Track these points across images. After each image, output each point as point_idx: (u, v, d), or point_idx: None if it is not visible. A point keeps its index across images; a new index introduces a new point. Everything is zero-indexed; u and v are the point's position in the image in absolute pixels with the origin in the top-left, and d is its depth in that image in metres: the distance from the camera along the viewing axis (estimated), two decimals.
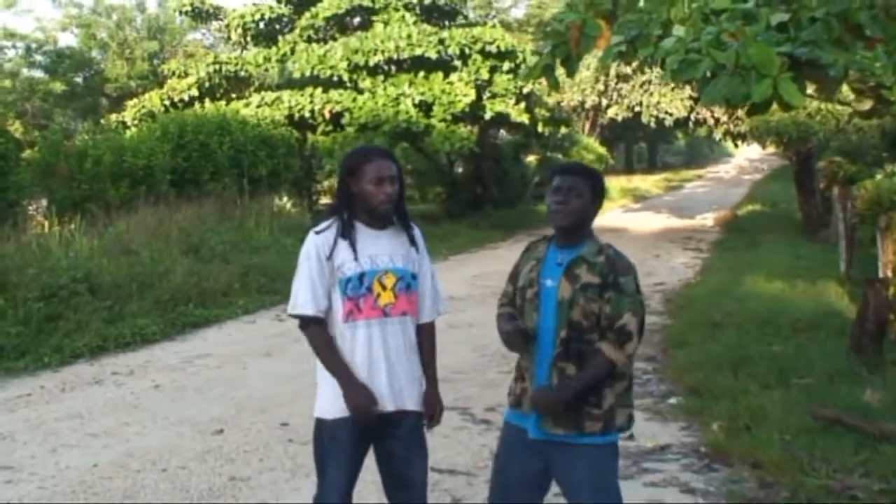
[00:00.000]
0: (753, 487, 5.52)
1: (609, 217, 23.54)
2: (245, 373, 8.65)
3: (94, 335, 9.74)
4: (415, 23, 22.27)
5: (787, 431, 6.18)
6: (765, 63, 4.03)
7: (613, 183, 34.29)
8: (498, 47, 21.40)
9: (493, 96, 21.52)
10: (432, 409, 3.94)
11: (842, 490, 5.34)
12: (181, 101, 21.82)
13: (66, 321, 9.87)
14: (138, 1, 29.95)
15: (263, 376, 8.36)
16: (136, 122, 21.38)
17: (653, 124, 22.10)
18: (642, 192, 37.22)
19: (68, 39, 29.62)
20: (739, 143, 22.56)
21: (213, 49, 29.98)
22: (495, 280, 14.23)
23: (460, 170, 27.61)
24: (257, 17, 24.14)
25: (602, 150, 36.64)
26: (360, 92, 21.22)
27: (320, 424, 3.80)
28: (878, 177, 14.83)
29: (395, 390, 3.74)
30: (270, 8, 24.35)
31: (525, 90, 21.81)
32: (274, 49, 23.11)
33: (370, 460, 3.87)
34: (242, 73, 22.26)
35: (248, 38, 24.71)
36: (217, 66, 22.08)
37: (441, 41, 21.27)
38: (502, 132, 27.80)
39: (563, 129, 25.62)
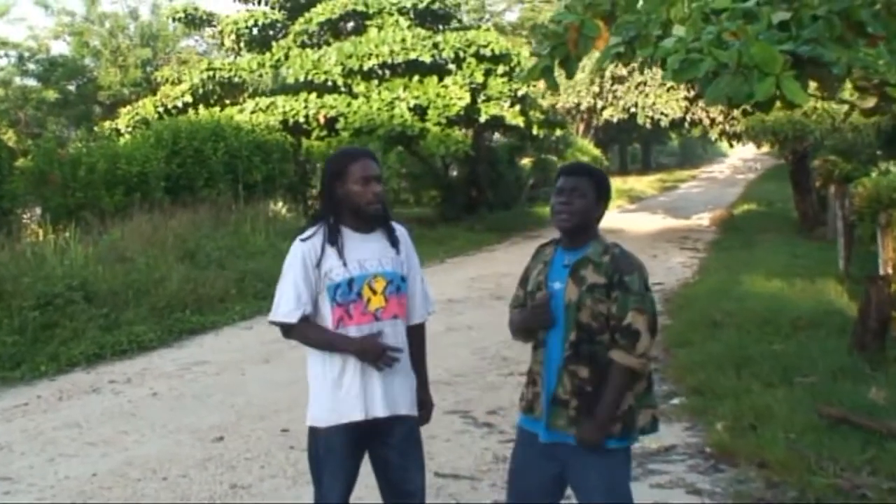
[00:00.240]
0: (760, 487, 5.46)
1: (605, 218, 23.06)
2: (243, 379, 8.58)
3: (90, 343, 9.67)
4: (409, 27, 22.23)
5: (793, 430, 6.13)
6: (767, 61, 3.99)
7: None
8: (492, 51, 21.38)
9: (488, 99, 21.50)
10: (424, 408, 3.90)
11: (850, 489, 5.28)
12: (175, 107, 21.77)
13: (61, 329, 9.81)
14: (131, 8, 30.00)
15: (262, 383, 8.29)
16: (129, 129, 21.32)
17: (648, 125, 22.05)
18: (637, 193, 37.18)
19: (61, 48, 29.54)
20: (735, 143, 22.51)
21: (206, 55, 29.89)
22: (492, 282, 14.24)
23: (455, 173, 27.56)
24: (251, 23, 24.09)
25: (596, 151, 36.65)
26: (355, 97, 21.17)
27: (314, 433, 3.75)
28: (874, 174, 14.82)
29: (390, 396, 3.68)
30: (264, 14, 24.30)
31: (520, 93, 21.78)
32: (268, 55, 23.05)
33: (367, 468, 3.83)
34: (236, 79, 22.21)
35: (242, 44, 24.66)
36: (211, 73, 22.03)
37: (435, 45, 21.24)
38: (497, 135, 27.77)
39: (558, 132, 25.59)
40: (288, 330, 3.73)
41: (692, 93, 19.90)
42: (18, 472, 6.08)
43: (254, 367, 8.95)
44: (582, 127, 36.41)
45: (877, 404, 6.58)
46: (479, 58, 21.47)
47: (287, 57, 22.56)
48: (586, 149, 35.24)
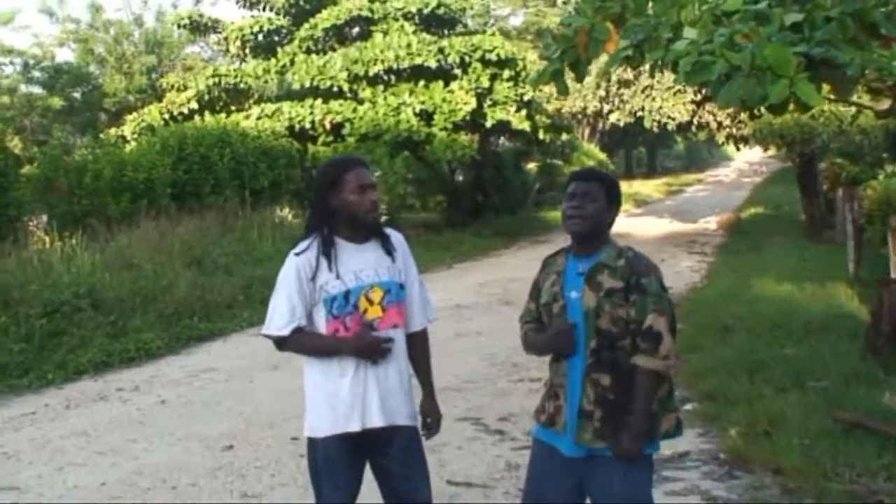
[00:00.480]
0: (776, 494, 5.41)
1: None
2: (252, 387, 8.53)
3: (97, 351, 9.65)
4: (414, 32, 22.20)
5: (807, 436, 6.07)
6: (781, 63, 3.95)
7: None
8: (498, 55, 21.34)
9: (494, 104, 21.44)
10: (430, 418, 3.82)
11: (867, 495, 5.23)
12: (181, 114, 21.76)
13: (69, 337, 9.79)
14: (136, 15, 29.89)
15: (271, 390, 8.23)
16: (135, 135, 21.35)
17: (655, 129, 22.00)
18: (643, 197, 37.12)
19: (66, 55, 29.62)
20: (742, 146, 22.45)
21: (211, 62, 29.89)
22: (501, 288, 14.19)
23: (460, 178, 27.53)
24: (256, 29, 24.06)
25: (602, 155, 36.62)
26: (361, 102, 21.14)
27: (312, 444, 3.72)
28: (881, 177, 14.76)
29: (387, 407, 3.63)
30: (269, 20, 24.29)
31: (526, 97, 21.74)
32: (273, 61, 23.03)
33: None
34: (242, 86, 22.18)
35: (247, 51, 24.63)
36: (216, 79, 22.00)
37: (441, 50, 21.20)
38: (502, 140, 27.75)
39: (564, 136, 25.54)
40: (281, 343, 3.70)
41: (699, 96, 19.87)
42: (27, 481, 6.04)
43: (262, 375, 8.90)
44: (587, 131, 36.38)
45: (891, 409, 6.53)
46: (485, 62, 21.43)
47: (292, 63, 22.54)
48: (592, 153, 35.20)
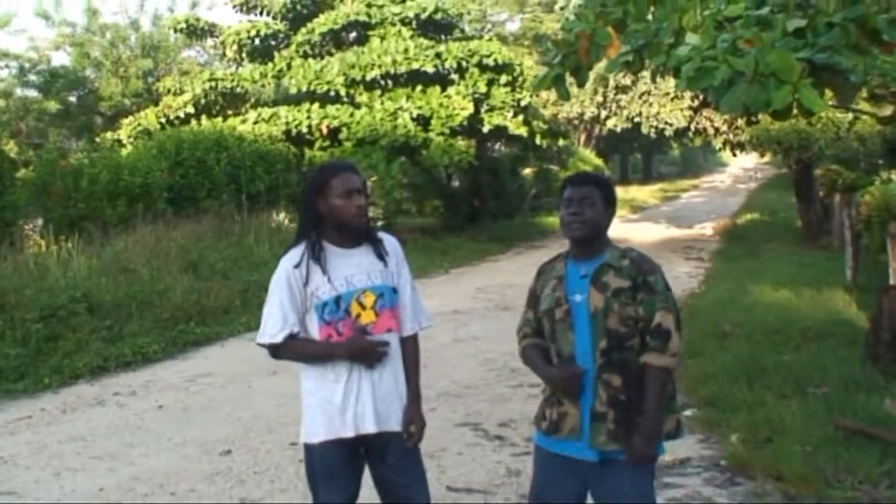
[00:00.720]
0: (778, 501, 5.39)
1: (609, 228, 23.32)
2: (250, 392, 8.49)
3: (94, 355, 9.60)
4: (411, 37, 22.19)
5: (808, 443, 6.05)
6: (784, 69, 3.94)
7: None
8: (495, 60, 21.33)
9: (491, 109, 21.43)
10: (413, 425, 3.74)
11: (869, 502, 5.21)
12: (177, 118, 21.72)
13: (65, 341, 9.74)
14: (132, 19, 29.82)
15: (269, 395, 8.19)
16: (131, 139, 21.28)
17: (653, 135, 22.02)
18: (640, 203, 37.13)
19: (62, 58, 29.46)
20: (738, 152, 22.48)
21: (207, 66, 29.84)
22: (498, 293, 14.18)
23: (457, 183, 27.53)
24: (253, 33, 24.03)
25: (598, 161, 36.63)
26: (358, 107, 21.13)
27: (308, 449, 3.72)
28: (877, 183, 14.76)
29: (380, 412, 3.62)
30: (266, 24, 24.26)
31: (523, 103, 21.73)
32: (270, 65, 23.02)
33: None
34: (238, 90, 22.15)
35: (244, 55, 24.61)
36: (213, 83, 21.97)
37: (438, 55, 21.20)
38: (498, 145, 27.74)
39: (561, 142, 25.54)
40: (275, 351, 3.68)
41: (696, 102, 19.89)
42: (24, 486, 6.00)
43: (261, 380, 8.85)
44: (583, 137, 36.41)
45: (892, 416, 6.51)
46: (482, 68, 21.42)
47: (289, 67, 22.53)
48: (588, 158, 35.23)
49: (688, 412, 7.33)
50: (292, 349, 3.64)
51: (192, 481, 5.95)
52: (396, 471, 3.68)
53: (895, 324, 7.76)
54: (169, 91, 23.80)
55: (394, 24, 22.65)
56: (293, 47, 23.49)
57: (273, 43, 24.48)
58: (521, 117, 21.87)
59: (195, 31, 25.52)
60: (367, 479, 3.78)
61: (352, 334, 3.58)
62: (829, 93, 4.44)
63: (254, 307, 12.32)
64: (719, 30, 4.56)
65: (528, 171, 32.15)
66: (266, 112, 21.07)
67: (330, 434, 3.60)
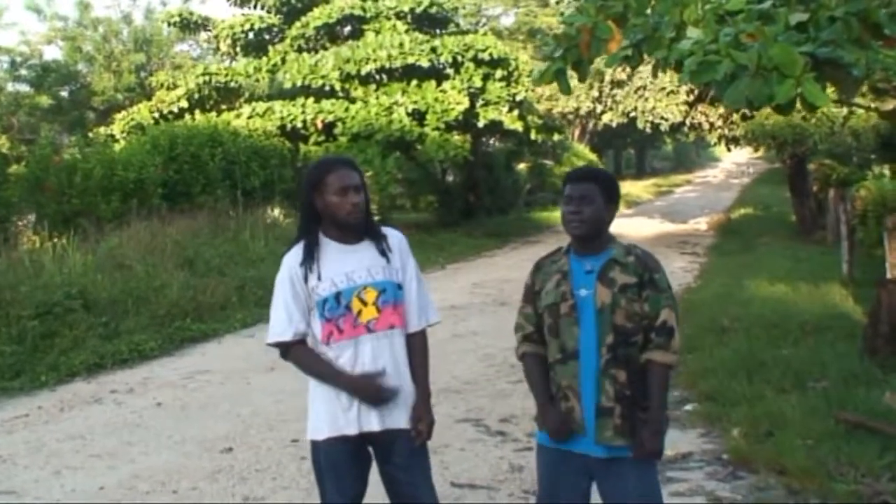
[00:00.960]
0: (782, 495, 5.38)
1: None
2: (249, 388, 8.46)
3: (90, 352, 9.54)
4: (406, 31, 22.15)
5: (810, 436, 6.06)
6: (787, 63, 3.93)
7: None
8: (490, 55, 21.30)
9: (487, 104, 21.41)
10: (419, 422, 3.71)
11: (872, 495, 5.22)
12: (170, 112, 21.62)
13: (61, 339, 9.68)
14: (125, 13, 29.75)
15: (268, 392, 8.16)
16: (124, 134, 21.20)
17: (648, 130, 22.02)
18: (634, 198, 37.14)
19: (54, 53, 29.42)
20: (733, 146, 22.50)
21: (200, 60, 29.75)
22: (495, 288, 14.16)
23: (451, 178, 27.50)
24: (247, 27, 23.93)
25: (592, 156, 36.61)
26: (353, 101, 21.07)
27: (314, 446, 3.70)
28: (870, 178, 14.80)
29: (384, 410, 3.59)
30: (260, 18, 24.18)
31: (518, 97, 21.71)
32: (264, 59, 22.92)
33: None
34: (232, 84, 22.07)
35: (238, 49, 24.52)
36: (207, 77, 21.87)
37: (433, 49, 21.15)
38: (493, 140, 27.72)
39: (556, 137, 25.52)
40: (285, 351, 3.68)
41: (692, 97, 19.90)
42: (23, 485, 5.96)
43: (259, 376, 8.82)
44: (577, 132, 36.40)
45: (892, 409, 6.52)
46: (478, 62, 21.39)
47: (284, 61, 22.44)
48: (582, 154, 35.22)
49: (688, 407, 7.35)
50: (300, 360, 3.65)
51: (194, 479, 5.92)
52: (403, 469, 3.65)
53: (893, 317, 7.77)
54: (162, 85, 23.70)
55: (389, 18, 22.59)
56: (287, 41, 23.41)
57: (267, 37, 24.39)
58: (516, 112, 21.86)
59: (188, 25, 25.43)
60: (374, 479, 3.75)
61: (366, 375, 3.55)
62: (832, 87, 4.44)
63: (250, 304, 12.33)
64: (720, 24, 4.53)
65: (522, 166, 32.15)
66: (260, 107, 20.98)
67: (334, 431, 3.59)
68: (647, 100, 20.67)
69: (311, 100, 20.88)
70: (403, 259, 3.76)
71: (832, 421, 6.27)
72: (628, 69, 18.50)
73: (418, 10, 22.76)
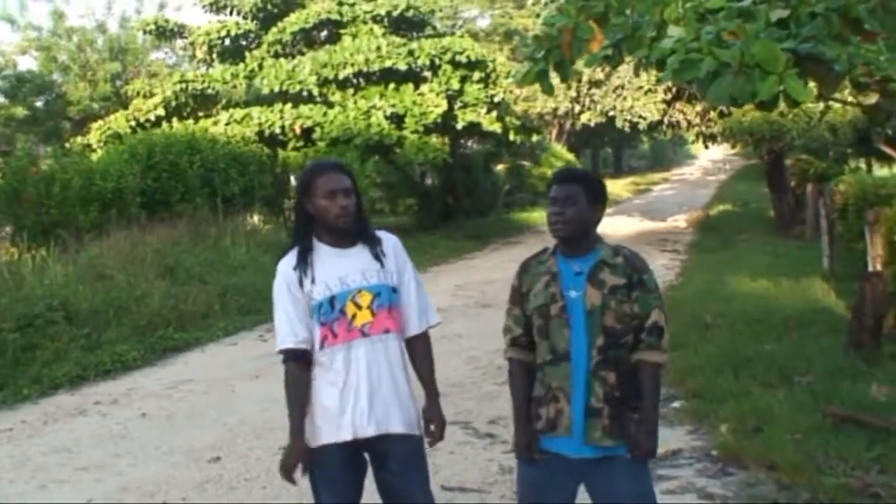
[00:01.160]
0: (772, 490, 5.40)
1: None
2: (234, 397, 8.41)
3: (73, 364, 9.46)
4: (383, 35, 22.14)
5: (798, 431, 6.10)
6: (770, 60, 3.93)
7: None
8: (468, 57, 21.34)
9: (465, 106, 21.44)
10: (433, 424, 3.75)
11: (862, 488, 5.24)
12: (147, 121, 21.52)
13: (43, 351, 9.59)
14: (99, 22, 29.56)
15: (254, 400, 8.11)
16: (101, 143, 21.07)
17: (627, 128, 22.12)
18: (613, 197, 37.12)
19: (28, 63, 29.15)
20: (711, 143, 22.62)
21: (176, 68, 29.61)
22: (477, 290, 14.16)
23: (429, 181, 27.50)
24: (223, 33, 23.89)
25: (570, 156, 36.69)
26: (331, 106, 21.04)
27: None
28: (847, 172, 14.89)
29: (379, 414, 3.58)
30: (236, 24, 24.10)
31: (496, 99, 21.73)
32: (241, 65, 22.86)
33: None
34: (209, 91, 21.99)
35: (214, 56, 24.45)
36: (183, 85, 21.78)
37: (411, 52, 21.16)
38: (470, 142, 27.74)
39: (534, 137, 25.55)
40: (286, 358, 3.67)
41: (669, 95, 19.99)
42: (9, 499, 5.90)
43: (244, 384, 8.77)
44: (555, 132, 36.46)
45: (878, 401, 6.55)
46: (455, 64, 21.42)
47: (261, 67, 22.40)
48: (560, 154, 35.29)
49: (675, 404, 7.36)
50: (286, 375, 3.65)
51: (183, 490, 5.88)
52: (399, 476, 3.63)
53: (877, 311, 7.82)
54: (138, 94, 23.58)
55: (365, 22, 22.58)
56: (264, 47, 23.35)
57: (244, 43, 24.34)
58: (494, 113, 21.89)
59: (164, 33, 25.31)
60: (369, 485, 3.74)
61: (303, 451, 3.59)
62: (814, 83, 4.44)
63: (232, 311, 12.27)
64: (701, 22, 4.54)
65: (500, 167, 32.17)
66: (238, 113, 20.93)
67: (328, 437, 3.57)
68: (625, 99, 20.77)
69: (288, 105, 20.85)
70: (399, 262, 3.75)
71: (819, 415, 6.31)
72: (606, 69, 18.54)
73: (395, 14, 22.77)
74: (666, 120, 21.26)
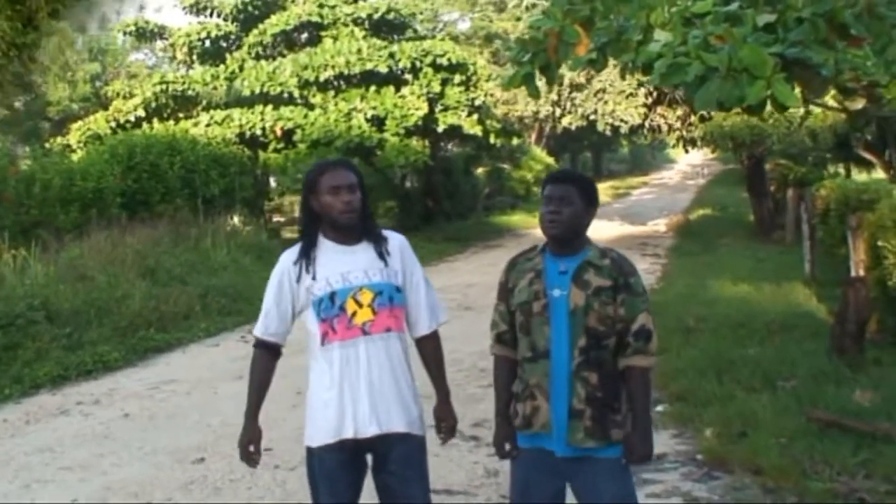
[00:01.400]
0: (758, 494, 5.42)
1: None
2: (216, 397, 8.38)
3: (54, 364, 9.40)
4: (364, 37, 22.14)
5: (783, 435, 6.11)
6: (758, 64, 3.95)
7: None
8: (449, 60, 21.35)
9: (446, 109, 21.45)
10: (444, 423, 3.79)
11: (848, 493, 5.26)
12: (127, 121, 21.43)
13: (24, 350, 9.53)
14: (79, 23, 29.37)
15: (237, 401, 7.94)
16: (81, 144, 20.95)
17: (608, 132, 22.19)
18: None
19: None
20: (691, 148, 22.72)
21: (156, 69, 29.49)
22: (459, 293, 14.14)
23: (409, 184, 27.48)
24: (203, 35, 23.83)
25: (549, 159, 36.76)
26: (312, 108, 21.02)
27: (309, 453, 3.67)
28: (827, 177, 14.98)
29: (380, 412, 3.55)
30: (217, 26, 24.04)
31: (477, 102, 21.76)
32: (222, 67, 22.79)
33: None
34: (190, 92, 21.89)
35: (194, 57, 24.37)
36: (164, 86, 21.68)
37: (391, 55, 21.17)
38: (451, 145, 27.75)
39: (515, 141, 25.59)
40: (256, 345, 3.75)
41: (650, 99, 20.06)
42: None
43: (226, 385, 8.73)
44: (534, 135, 36.52)
45: (862, 407, 6.58)
46: (436, 67, 21.42)
47: (241, 69, 22.33)
48: (539, 157, 35.35)
49: (660, 408, 7.37)
50: (252, 361, 3.76)
51: (168, 490, 5.85)
52: (398, 478, 3.62)
53: (861, 316, 7.85)
54: (118, 95, 23.46)
55: (346, 25, 22.58)
56: (245, 49, 23.30)
57: (224, 44, 24.28)
58: (475, 117, 21.90)
59: (144, 34, 25.22)
60: (368, 486, 3.73)
61: (250, 439, 3.78)
62: (800, 87, 4.47)
63: (213, 312, 12.22)
64: (688, 26, 4.55)
65: (480, 170, 32.20)
66: (219, 115, 20.86)
67: (329, 437, 3.56)
68: (606, 102, 20.82)
69: (269, 107, 20.81)
70: (406, 262, 3.74)
71: (804, 420, 6.33)
72: (587, 72, 18.61)
73: (376, 17, 22.78)
74: (647, 124, 21.34)
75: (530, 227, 27.83)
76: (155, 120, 21.24)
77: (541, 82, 5.60)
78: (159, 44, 26.57)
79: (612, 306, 3.46)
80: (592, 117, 21.23)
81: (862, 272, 9.11)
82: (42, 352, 9.62)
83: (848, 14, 4.39)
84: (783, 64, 4.05)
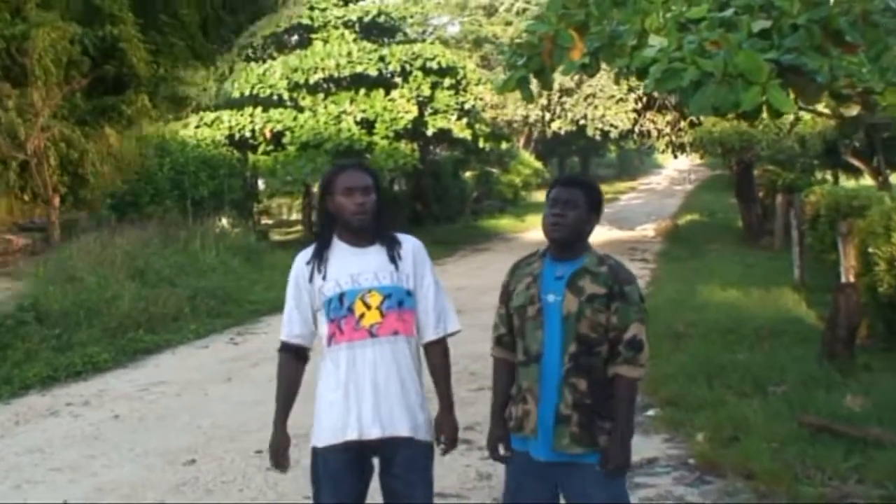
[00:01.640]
0: (751, 498, 5.43)
1: None
2: (207, 399, 8.35)
3: (44, 365, 9.35)
4: (354, 40, 22.16)
5: (774, 440, 6.12)
6: (753, 70, 3.96)
7: None
8: (439, 63, 21.38)
9: (435, 112, 21.46)
10: (444, 432, 3.74)
11: (840, 498, 5.28)
12: None
13: (14, 351, 9.48)
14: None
15: (227, 403, 8.07)
16: None
17: (598, 137, 22.24)
18: None
19: None
20: (680, 153, 22.78)
21: None
22: (450, 296, 14.12)
23: (397, 187, 27.48)
24: None
25: (538, 164, 36.80)
26: (301, 110, 21.01)
27: (314, 453, 3.64)
28: (814, 183, 15.03)
29: (384, 415, 3.53)
30: None
31: (466, 106, 21.78)
32: (211, 69, 22.70)
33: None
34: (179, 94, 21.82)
35: None
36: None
37: (381, 58, 21.19)
38: (439, 149, 27.77)
39: (504, 145, 25.62)
40: (281, 349, 3.73)
41: (640, 104, 20.12)
42: None
43: (216, 387, 8.71)
44: (523, 139, 36.54)
45: (853, 411, 6.61)
46: (426, 71, 21.46)
47: (231, 71, 22.25)
48: (528, 161, 35.39)
49: (650, 412, 7.38)
50: (279, 366, 3.73)
51: (160, 492, 5.82)
52: (402, 482, 3.60)
53: (851, 321, 7.89)
54: None
55: (337, 28, 22.57)
56: (235, 51, 23.20)
57: (214, 46, 24.17)
58: (464, 120, 21.92)
59: None
60: (373, 487, 3.71)
61: (282, 443, 3.71)
62: (794, 93, 4.49)
63: (203, 314, 12.20)
64: (683, 32, 4.56)
65: (469, 174, 32.21)
66: (208, 116, 20.83)
67: (334, 438, 3.54)
68: (596, 107, 20.85)
69: (259, 109, 20.81)
70: (418, 266, 3.72)
71: (795, 424, 6.34)
72: (578, 77, 18.63)
73: (366, 20, 22.80)
74: (636, 129, 21.38)
75: (518, 230, 27.89)
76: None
77: (534, 87, 5.62)
78: None
79: (606, 314, 3.44)
80: (582, 122, 21.26)
81: (852, 278, 9.13)
82: (31, 353, 9.57)
83: (843, 21, 4.41)
84: (778, 70, 4.06)
